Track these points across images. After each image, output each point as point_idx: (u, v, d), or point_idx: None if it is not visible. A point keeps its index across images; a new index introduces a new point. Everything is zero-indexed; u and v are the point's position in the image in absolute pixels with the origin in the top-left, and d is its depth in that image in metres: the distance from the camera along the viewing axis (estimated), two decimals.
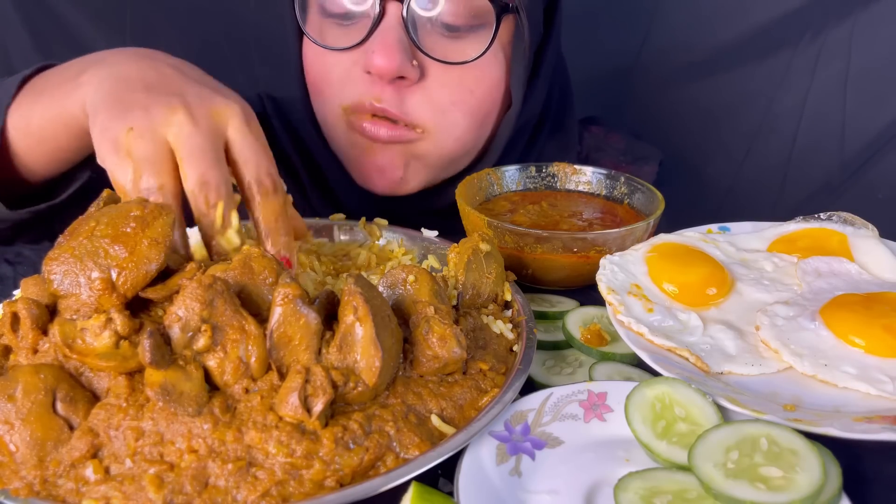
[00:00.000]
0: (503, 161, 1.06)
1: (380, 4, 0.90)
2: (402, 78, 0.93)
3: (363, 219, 0.91)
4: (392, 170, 1.01)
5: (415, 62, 0.92)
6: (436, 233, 0.89)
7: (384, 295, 0.65)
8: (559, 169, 1.04)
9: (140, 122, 0.67)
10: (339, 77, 0.97)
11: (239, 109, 0.70)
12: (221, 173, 0.67)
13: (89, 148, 0.79)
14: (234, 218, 0.68)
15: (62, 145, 0.83)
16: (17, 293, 0.69)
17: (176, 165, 0.67)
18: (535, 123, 1.13)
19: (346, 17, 0.95)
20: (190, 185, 0.66)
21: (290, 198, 0.74)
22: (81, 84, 0.76)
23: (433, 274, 0.67)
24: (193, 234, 0.86)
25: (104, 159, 0.68)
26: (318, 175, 1.16)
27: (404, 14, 0.90)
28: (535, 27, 1.00)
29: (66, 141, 0.82)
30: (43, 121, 0.81)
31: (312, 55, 1.00)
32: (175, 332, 0.56)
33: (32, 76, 0.86)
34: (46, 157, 0.85)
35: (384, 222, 0.91)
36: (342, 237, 0.92)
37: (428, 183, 1.04)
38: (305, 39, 1.01)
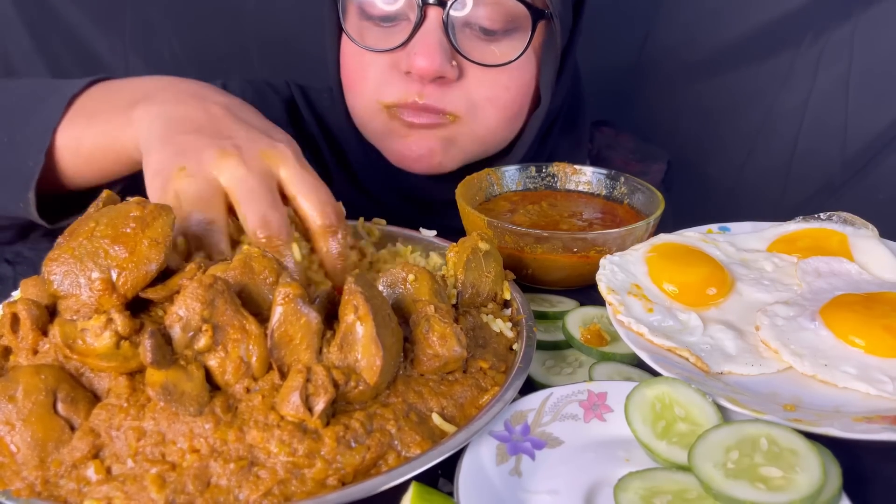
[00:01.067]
0: (521, 157, 1.09)
1: (421, 9, 0.95)
2: (441, 78, 0.97)
3: (361, 219, 0.91)
4: (430, 156, 1.05)
5: (454, 63, 0.97)
6: (434, 232, 0.89)
7: (384, 294, 0.65)
8: (559, 169, 1.04)
9: (192, 163, 0.70)
10: (376, 76, 1.01)
11: (288, 150, 0.73)
12: (281, 213, 0.69)
13: (132, 173, 0.85)
14: (297, 251, 0.70)
15: (110, 168, 0.86)
16: (16, 294, 0.69)
17: (226, 204, 0.70)
18: (552, 121, 1.17)
19: (385, 20, 0.99)
20: (251, 226, 0.68)
21: (349, 227, 0.77)
22: (133, 120, 0.79)
23: (433, 273, 0.67)
24: None
25: (151, 196, 0.71)
26: (343, 160, 1.21)
27: (445, 18, 0.95)
28: (565, 31, 1.04)
29: (114, 166, 0.85)
30: (94, 147, 0.84)
31: (349, 54, 1.04)
32: (176, 332, 0.56)
33: (81, 92, 0.87)
34: (92, 175, 0.88)
35: (382, 221, 0.91)
36: None
37: (464, 162, 1.09)
38: (343, 37, 1.04)
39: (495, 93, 1.01)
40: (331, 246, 0.73)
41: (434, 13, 0.95)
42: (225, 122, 0.75)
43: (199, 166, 0.69)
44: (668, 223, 0.91)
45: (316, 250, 0.74)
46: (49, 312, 0.61)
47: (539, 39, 1.02)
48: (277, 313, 0.57)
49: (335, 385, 0.55)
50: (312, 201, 0.72)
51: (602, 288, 0.76)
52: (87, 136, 0.84)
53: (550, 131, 1.17)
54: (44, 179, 0.85)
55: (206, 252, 0.69)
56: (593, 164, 1.08)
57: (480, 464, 0.57)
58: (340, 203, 0.75)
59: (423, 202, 1.13)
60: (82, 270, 0.59)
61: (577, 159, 1.08)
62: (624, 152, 1.28)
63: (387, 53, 0.99)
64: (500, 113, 1.03)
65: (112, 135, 0.82)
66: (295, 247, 0.70)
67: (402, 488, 0.53)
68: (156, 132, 0.75)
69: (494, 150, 1.10)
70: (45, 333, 0.60)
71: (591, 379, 0.68)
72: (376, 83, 1.02)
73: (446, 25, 0.95)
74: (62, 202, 0.91)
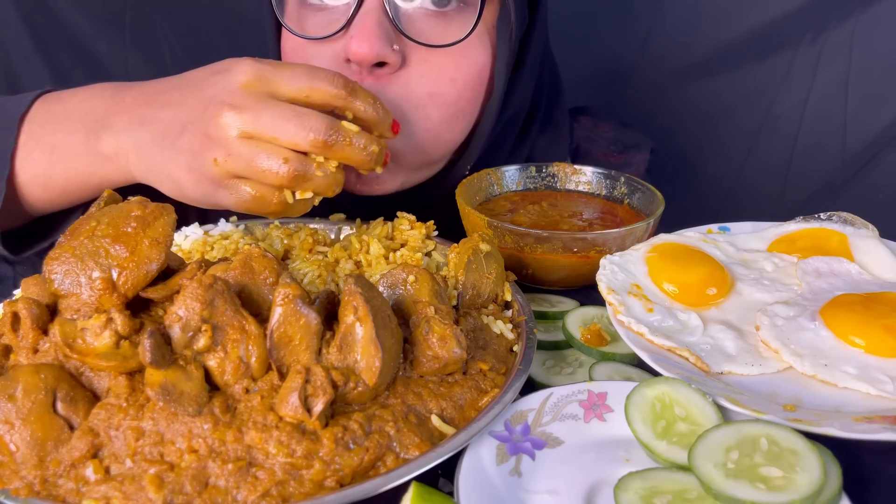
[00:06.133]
0: (493, 158, 1.03)
1: None
2: (383, 65, 0.88)
3: (358, 220, 0.91)
4: (366, 178, 0.95)
5: (396, 47, 0.87)
6: (435, 232, 0.89)
7: (384, 295, 0.65)
8: (559, 169, 1.04)
9: (214, 148, 0.71)
10: None
11: (249, 67, 0.73)
12: (308, 112, 0.71)
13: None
14: (350, 125, 0.73)
15: (86, 196, 0.85)
16: (17, 293, 0.69)
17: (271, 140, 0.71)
18: (526, 118, 1.10)
19: (325, 6, 0.91)
20: (303, 144, 0.70)
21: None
22: (107, 158, 0.79)
23: (433, 274, 0.67)
24: (192, 234, 0.87)
25: (219, 202, 0.73)
26: None
27: None
28: (521, 12, 0.97)
29: (92, 193, 0.84)
30: (66, 182, 0.83)
31: (291, 48, 0.95)
32: (175, 332, 0.56)
33: (26, 112, 0.85)
34: (64, 204, 0.87)
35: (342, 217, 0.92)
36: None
37: (405, 184, 0.99)
38: (284, 31, 0.96)
39: (439, 87, 0.91)
40: (358, 106, 0.75)
41: None
42: (188, 95, 0.75)
43: (216, 145, 0.71)
44: (665, 223, 0.91)
45: (355, 116, 0.76)
46: (50, 311, 0.61)
47: (492, 20, 0.93)
48: (277, 314, 0.57)
49: (334, 386, 0.55)
50: (310, 89, 0.73)
51: (602, 288, 0.76)
52: (56, 173, 0.83)
53: (529, 130, 1.10)
54: (6, 210, 0.83)
55: (309, 192, 0.73)
56: (573, 160, 1.03)
57: (481, 464, 0.57)
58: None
59: (388, 211, 1.00)
60: (83, 269, 0.59)
61: (558, 156, 1.03)
62: (604, 144, 1.19)
63: (327, 43, 0.90)
64: (440, 112, 0.92)
65: (88, 172, 0.81)
66: (345, 123, 0.73)
67: (401, 489, 0.53)
68: (152, 157, 0.75)
69: (441, 157, 0.99)
70: (45, 332, 0.60)
71: (591, 379, 0.68)
72: None
73: (387, 5, 0.86)
74: (24, 230, 0.91)
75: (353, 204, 1.06)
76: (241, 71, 0.73)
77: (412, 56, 0.89)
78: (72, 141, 0.81)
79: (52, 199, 0.86)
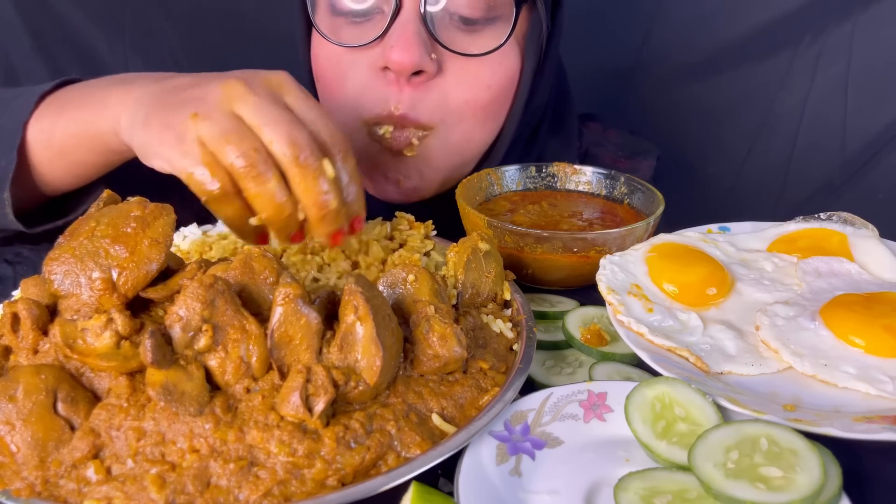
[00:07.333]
0: (505, 159, 1.05)
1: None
2: (419, 73, 0.91)
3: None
4: (406, 181, 1.01)
5: (433, 55, 0.91)
6: (434, 232, 0.89)
7: (384, 294, 0.65)
8: (559, 169, 1.04)
9: (202, 106, 0.66)
10: (355, 84, 0.95)
11: (288, 76, 0.71)
12: (305, 131, 0.66)
13: (108, 165, 0.84)
14: (329, 167, 0.67)
15: (82, 160, 0.84)
16: (17, 293, 0.69)
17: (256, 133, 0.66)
18: (537, 121, 1.12)
19: (358, 15, 0.93)
20: (279, 148, 0.64)
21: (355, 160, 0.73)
22: (110, 105, 0.77)
23: (433, 273, 0.67)
24: (190, 234, 0.87)
25: (168, 155, 0.66)
26: None
27: (422, 8, 0.89)
28: (547, 21, 1.00)
29: (87, 156, 0.84)
30: (65, 136, 0.83)
31: (324, 55, 0.97)
32: (176, 332, 0.56)
33: (52, 91, 0.87)
34: (64, 170, 0.87)
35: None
36: None
37: (440, 188, 1.04)
38: (314, 38, 0.98)
39: (475, 94, 0.95)
40: (348, 164, 0.69)
41: (410, 3, 0.89)
42: (213, 75, 0.72)
43: (210, 105, 0.66)
44: (665, 223, 0.91)
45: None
46: (49, 312, 0.61)
47: (522, 29, 0.97)
48: (277, 313, 0.57)
49: (335, 385, 0.55)
50: (321, 127, 0.68)
51: (602, 288, 0.76)
52: (59, 125, 0.82)
53: (538, 132, 1.12)
54: (20, 181, 0.83)
55: (253, 191, 0.64)
56: (582, 163, 1.05)
57: (480, 464, 0.57)
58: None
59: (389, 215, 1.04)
60: (83, 270, 0.59)
61: (567, 160, 1.05)
62: (612, 149, 1.23)
63: (363, 51, 0.93)
64: (477, 115, 0.97)
65: (86, 120, 0.80)
66: (326, 162, 0.66)
67: (401, 489, 0.53)
68: (147, 104, 0.71)
69: (473, 157, 1.03)
70: (45, 333, 0.60)
71: (591, 379, 0.68)
72: (356, 92, 0.95)
73: (424, 15, 0.89)
74: (42, 212, 0.90)
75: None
76: (274, 73, 0.71)
77: (448, 64, 0.93)
78: (86, 96, 0.81)
79: (52, 160, 0.85)
